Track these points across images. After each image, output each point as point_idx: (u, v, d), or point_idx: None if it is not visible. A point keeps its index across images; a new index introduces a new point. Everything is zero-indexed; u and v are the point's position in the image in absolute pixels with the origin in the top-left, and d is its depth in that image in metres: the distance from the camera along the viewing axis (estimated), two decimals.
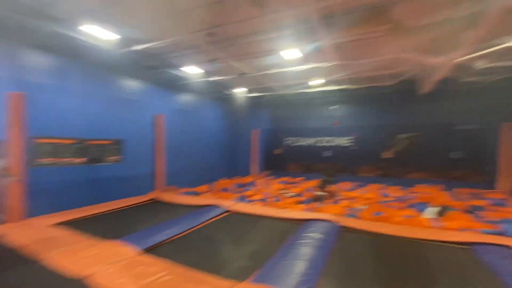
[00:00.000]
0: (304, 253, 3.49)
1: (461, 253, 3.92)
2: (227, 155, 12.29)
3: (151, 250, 3.71)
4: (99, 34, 5.26)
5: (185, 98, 9.77)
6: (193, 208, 6.21)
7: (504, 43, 4.77)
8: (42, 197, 5.24)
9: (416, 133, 9.97)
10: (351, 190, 8.60)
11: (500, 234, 4.41)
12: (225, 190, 8.62)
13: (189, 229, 4.67)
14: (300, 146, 12.12)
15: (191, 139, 9.76)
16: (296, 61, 6.84)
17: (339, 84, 9.40)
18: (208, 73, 8.27)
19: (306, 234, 4.17)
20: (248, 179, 10.68)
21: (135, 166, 7.40)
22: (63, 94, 5.82)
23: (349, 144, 11.12)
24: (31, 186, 5.00)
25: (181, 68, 7.70)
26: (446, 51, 5.37)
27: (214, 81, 8.95)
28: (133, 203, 6.53)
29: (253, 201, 6.99)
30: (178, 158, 8.96)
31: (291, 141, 12.39)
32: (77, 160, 5.83)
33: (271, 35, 5.65)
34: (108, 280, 2.77)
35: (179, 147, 9.04)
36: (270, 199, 7.04)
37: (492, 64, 6.05)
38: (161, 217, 5.42)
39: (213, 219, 5.36)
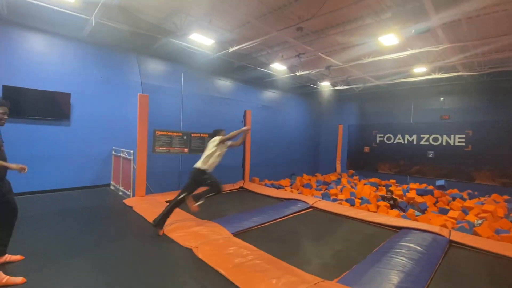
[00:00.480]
0: (400, 263, 3.12)
1: None
2: (310, 151, 12.13)
3: (239, 234, 4.05)
4: (200, 40, 6.01)
5: (270, 94, 10.13)
6: (277, 200, 6.44)
7: None
8: (159, 178, 6.47)
9: None
10: (464, 199, 7.11)
11: None
12: (307, 186, 8.56)
13: (274, 219, 4.86)
14: (395, 144, 10.68)
15: (274, 133, 10.09)
16: (393, 47, 6.07)
17: (448, 72, 7.85)
18: (293, 68, 8.30)
19: (403, 244, 3.71)
20: (331, 177, 10.27)
21: (227, 157, 8.17)
22: (174, 94, 6.97)
23: (461, 144, 9.12)
24: (151, 168, 6.24)
25: (268, 65, 7.99)
26: None
27: (299, 76, 8.92)
28: (225, 190, 7.27)
29: (338, 200, 6.68)
30: (262, 151, 9.41)
31: (384, 138, 11.03)
32: (183, 150, 6.91)
33: (365, 22, 5.20)
34: (207, 254, 3.19)
35: (263, 141, 9.49)
36: (357, 200, 6.58)
37: None
38: (248, 205, 5.85)
39: (296, 213, 5.41)
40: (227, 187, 7.54)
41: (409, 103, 10.64)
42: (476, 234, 4.45)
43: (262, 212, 5.11)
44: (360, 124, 11.94)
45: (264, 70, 8.34)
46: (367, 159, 11.41)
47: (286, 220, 5.05)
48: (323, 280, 2.73)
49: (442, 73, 7.98)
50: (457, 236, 4.14)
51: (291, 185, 8.97)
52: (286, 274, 2.75)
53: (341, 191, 7.76)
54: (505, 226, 4.78)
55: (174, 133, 6.52)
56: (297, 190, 8.03)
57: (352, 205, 6.32)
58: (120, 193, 6.14)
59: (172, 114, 6.88)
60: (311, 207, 5.82)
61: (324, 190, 7.88)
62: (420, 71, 7.94)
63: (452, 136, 9.24)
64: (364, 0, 4.28)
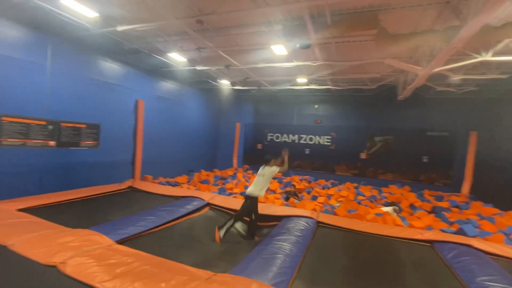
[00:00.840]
0: (282, 248, 3.57)
1: (423, 249, 4.23)
2: (209, 147, 12.15)
3: (126, 241, 3.62)
4: (78, 9, 4.90)
5: (168, 86, 9.47)
6: (172, 198, 6.10)
7: (477, 58, 5.11)
8: (7, 179, 4.89)
9: (389, 136, 10.47)
10: (328, 187, 8.90)
11: (458, 233, 4.81)
12: (204, 182, 8.55)
13: (167, 220, 4.57)
14: (282, 142, 12.25)
15: (171, 127, 9.50)
16: (283, 57, 6.86)
17: (322, 84, 9.58)
18: (194, 62, 8.05)
19: (284, 231, 4.26)
20: (228, 172, 10.67)
21: (113, 152, 7.10)
22: (36, 71, 5.41)
23: (328, 143, 11.44)
24: None
25: (166, 54, 7.42)
26: (425, 61, 5.66)
27: (199, 71, 8.74)
28: (109, 190, 6.27)
29: (233, 194, 7.00)
30: (157, 146, 8.71)
31: (274, 136, 12.46)
32: (48, 143, 5.48)
33: (261, 29, 5.62)
34: (78, 269, 2.66)
35: (158, 135, 8.79)
36: None
37: (465, 76, 6.48)
38: (138, 207, 5.27)
39: (192, 211, 5.28)
40: (112, 187, 6.55)
41: (293, 107, 12.40)
42: (335, 214, 5.66)
43: (153, 214, 4.71)
44: (255, 123, 12.99)
45: (161, 58, 7.68)
46: (259, 155, 12.54)
47: (182, 219, 4.86)
48: (215, 274, 2.79)
49: (317, 85, 9.67)
50: (322, 217, 5.14)
51: (188, 181, 8.73)
52: (176, 275, 2.64)
53: (236, 185, 8.18)
54: (354, 206, 6.30)
55: (33, 121, 5.07)
56: (195, 186, 7.90)
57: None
58: None
59: (32, 96, 5.28)
60: (207, 203, 5.83)
61: (221, 185, 8.09)
62: (302, 81, 9.33)
63: (322, 137, 11.51)
64: (258, 8, 4.60)
